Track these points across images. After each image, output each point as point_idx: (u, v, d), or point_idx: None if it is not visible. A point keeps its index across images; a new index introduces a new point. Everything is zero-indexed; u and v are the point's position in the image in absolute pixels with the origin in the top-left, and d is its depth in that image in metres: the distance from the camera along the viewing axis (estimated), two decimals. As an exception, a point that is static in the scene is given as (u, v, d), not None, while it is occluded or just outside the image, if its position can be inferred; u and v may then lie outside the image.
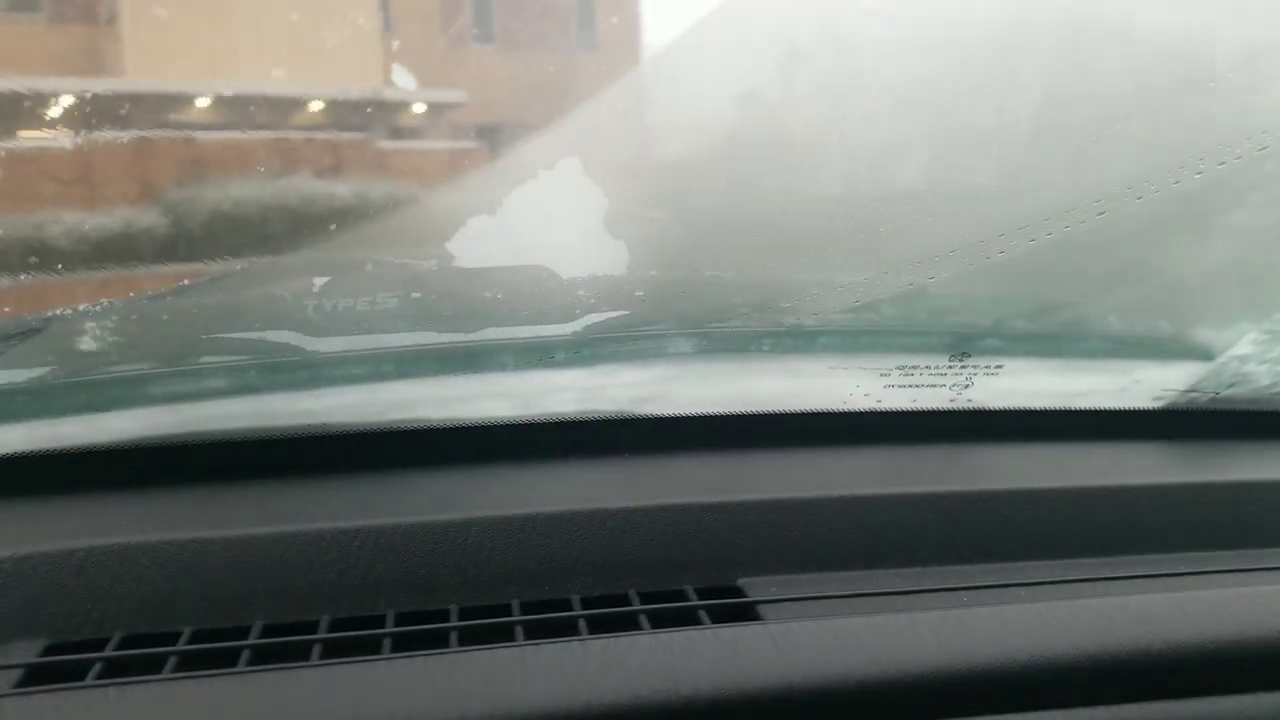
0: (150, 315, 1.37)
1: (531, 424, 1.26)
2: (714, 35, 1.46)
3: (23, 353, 1.27)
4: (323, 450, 1.18)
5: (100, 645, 0.90)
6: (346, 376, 1.28)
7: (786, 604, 1.00)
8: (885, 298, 1.38)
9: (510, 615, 0.96)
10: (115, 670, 0.86)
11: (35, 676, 0.85)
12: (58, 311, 1.32)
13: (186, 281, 1.39)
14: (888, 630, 0.91)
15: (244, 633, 0.93)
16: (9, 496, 1.08)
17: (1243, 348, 1.36)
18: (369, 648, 0.90)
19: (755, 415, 1.29)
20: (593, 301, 1.40)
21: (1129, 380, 1.41)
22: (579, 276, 1.42)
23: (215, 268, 1.39)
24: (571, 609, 0.98)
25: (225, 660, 0.88)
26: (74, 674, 0.85)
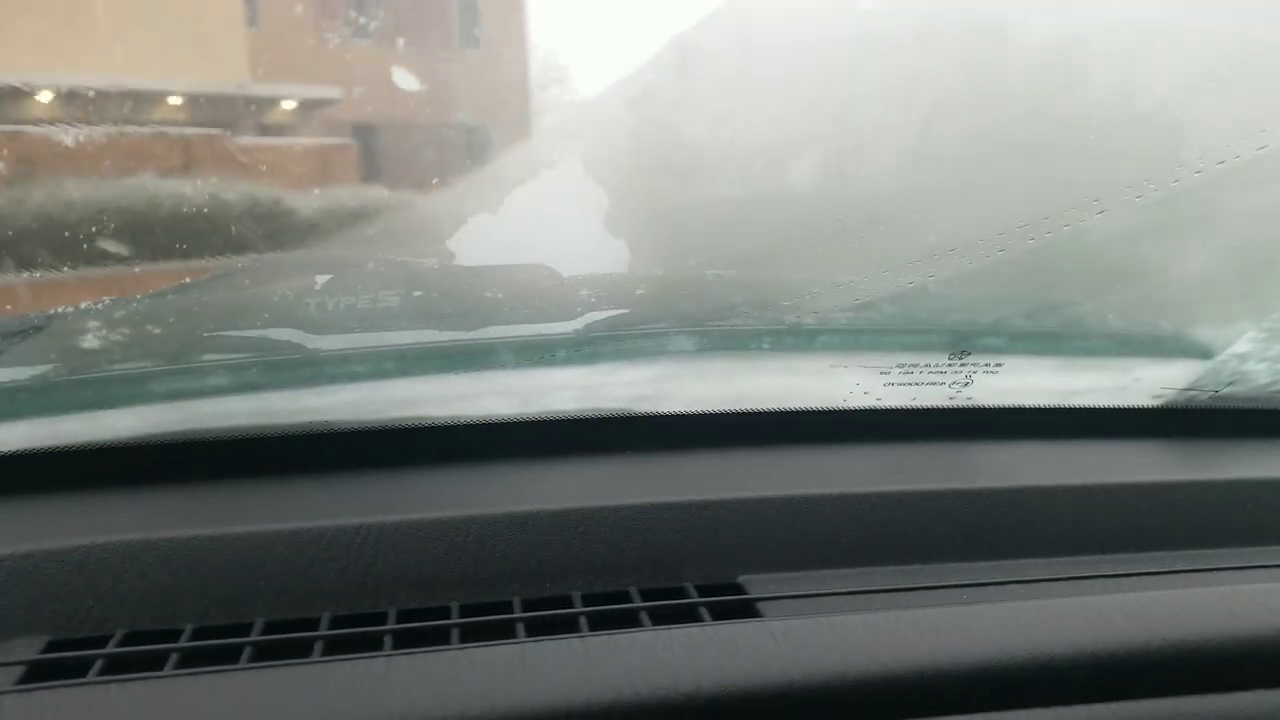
0: (152, 313, 1.38)
1: (532, 422, 1.26)
2: (713, 36, 1.46)
3: (24, 350, 1.27)
4: (324, 448, 1.18)
5: (102, 642, 0.90)
6: (348, 374, 1.28)
7: (787, 601, 1.00)
8: (885, 296, 1.39)
9: (511, 612, 0.97)
10: (117, 667, 0.86)
11: (37, 673, 0.86)
12: (59, 309, 1.32)
13: (188, 279, 1.39)
14: (888, 627, 0.91)
15: (246, 630, 0.93)
16: (11, 494, 1.08)
17: (1242, 346, 1.36)
18: (370, 645, 0.90)
19: (755, 413, 1.29)
20: (594, 300, 1.41)
21: (1128, 378, 1.41)
22: (580, 275, 1.42)
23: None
24: (572, 606, 0.98)
25: (227, 657, 0.88)
26: (76, 671, 0.86)
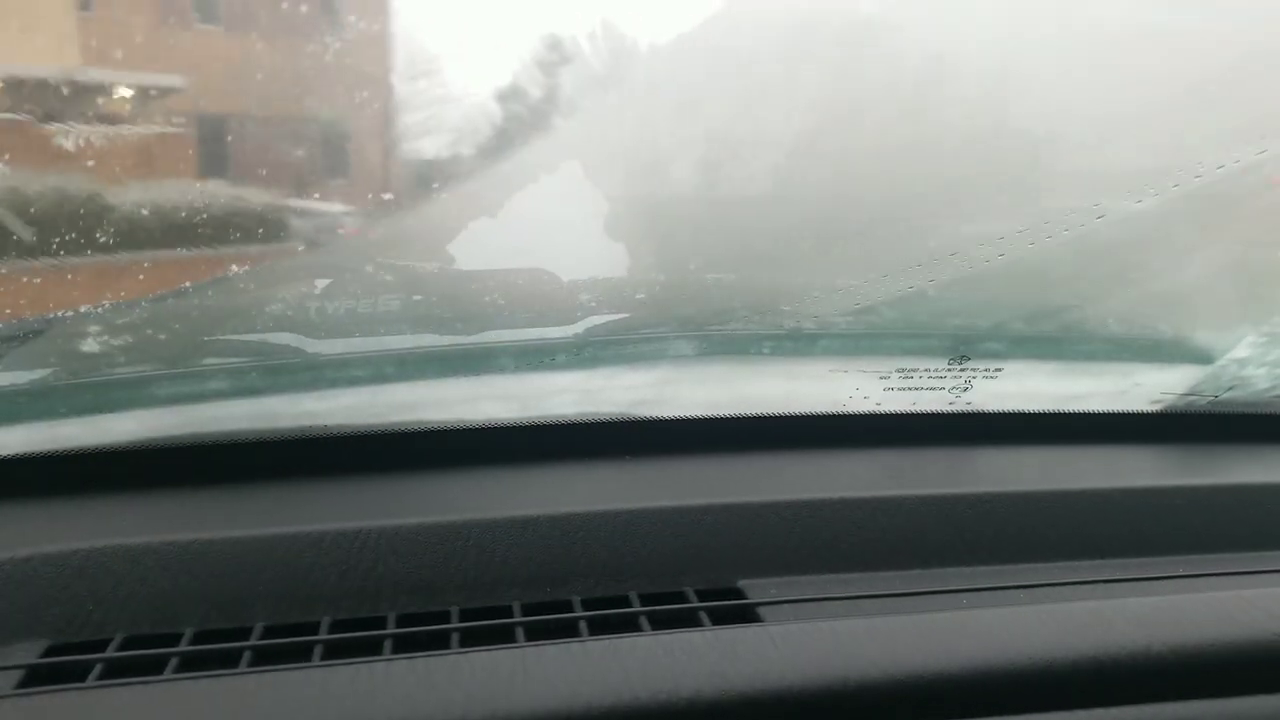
0: (152, 317, 1.38)
1: (532, 426, 1.26)
2: (713, 34, 1.46)
3: (24, 354, 1.27)
4: (324, 452, 1.18)
5: (102, 646, 0.90)
6: (348, 378, 1.28)
7: (786, 605, 1.00)
8: (884, 301, 1.39)
9: (511, 617, 0.97)
10: (116, 671, 0.86)
11: (36, 677, 0.86)
12: (59, 313, 1.32)
13: (188, 284, 1.39)
14: (887, 632, 0.91)
15: (245, 634, 0.93)
16: (11, 498, 1.08)
17: (1241, 351, 1.36)
18: (370, 649, 0.90)
19: (755, 418, 1.29)
20: (593, 304, 1.41)
21: (1128, 383, 1.41)
22: (580, 279, 1.42)
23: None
24: (572, 610, 0.98)
25: (227, 661, 0.88)
26: (75, 675, 0.86)
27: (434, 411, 1.26)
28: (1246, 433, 1.39)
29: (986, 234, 1.29)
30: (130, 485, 1.11)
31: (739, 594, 1.03)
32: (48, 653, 0.90)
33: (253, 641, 0.91)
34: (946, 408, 1.32)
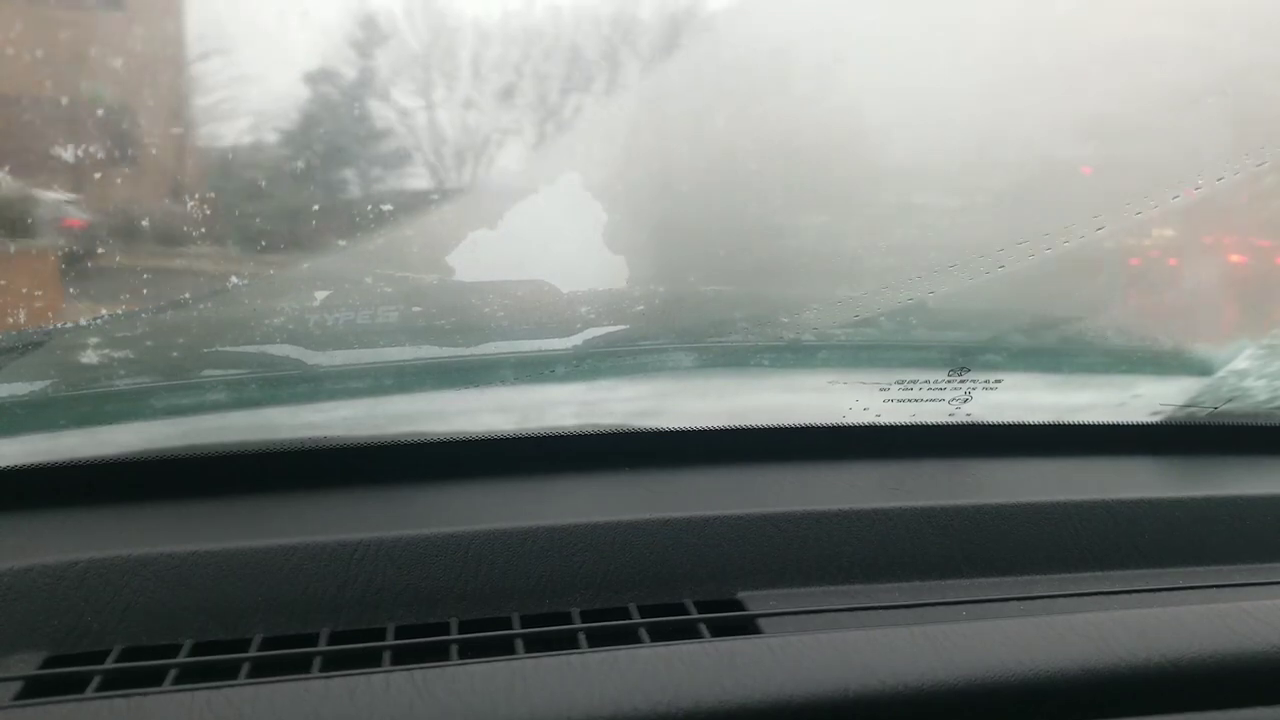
0: (151, 328, 1.38)
1: (532, 438, 1.26)
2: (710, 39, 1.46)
3: (23, 366, 1.27)
4: (324, 463, 1.18)
5: (101, 657, 0.90)
6: (347, 390, 1.28)
7: (786, 617, 1.00)
8: (884, 312, 1.39)
9: (510, 628, 0.97)
10: (115, 682, 0.86)
11: (35, 688, 0.85)
12: (58, 325, 1.32)
13: (187, 295, 1.39)
14: (887, 644, 0.91)
15: (244, 645, 0.93)
16: (10, 509, 1.08)
17: (1241, 363, 1.37)
18: (369, 661, 0.90)
19: (755, 430, 1.29)
20: (593, 316, 1.40)
21: (1127, 395, 1.41)
22: (579, 291, 1.42)
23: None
24: (571, 622, 0.98)
25: (226, 673, 0.88)
26: (74, 686, 0.85)
27: (434, 423, 1.26)
28: (1246, 444, 1.39)
29: (986, 246, 1.29)
30: (129, 497, 1.11)
31: (738, 606, 1.03)
32: (47, 664, 0.90)
33: (251, 653, 0.91)
34: (946, 419, 1.32)
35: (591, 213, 1.34)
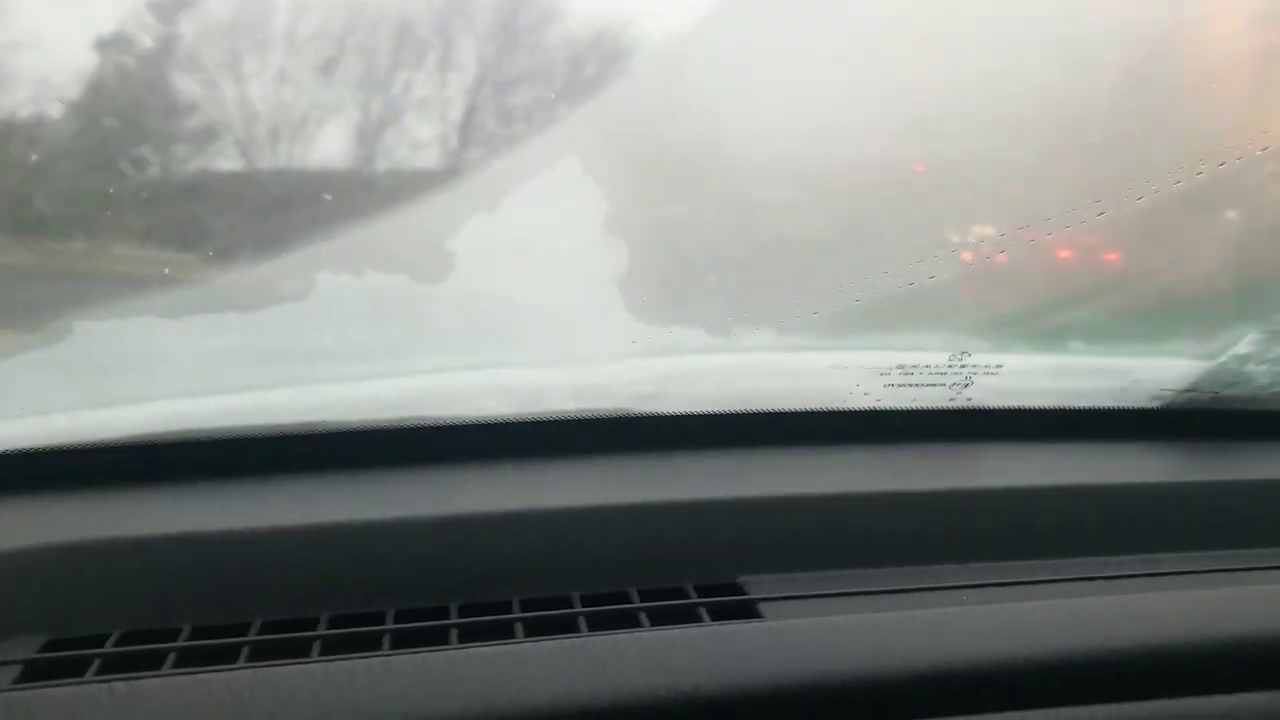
0: (147, 311, 1.37)
1: (531, 421, 1.25)
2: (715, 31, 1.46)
3: (21, 349, 1.27)
4: (323, 447, 1.18)
5: (100, 641, 0.90)
6: (347, 373, 1.28)
7: (786, 602, 1.00)
8: (885, 296, 1.38)
9: (510, 612, 0.97)
10: (115, 666, 0.86)
11: (35, 672, 0.85)
12: (55, 310, 1.32)
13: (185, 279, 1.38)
14: (888, 628, 0.91)
15: (244, 629, 0.93)
16: (8, 492, 1.08)
17: (1242, 348, 1.36)
18: (369, 644, 0.90)
19: (755, 414, 1.29)
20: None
21: (1128, 380, 1.41)
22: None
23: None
24: (571, 606, 0.98)
25: (225, 656, 0.88)
26: (74, 670, 0.85)
27: (432, 407, 1.25)
28: (1247, 429, 1.39)
29: (988, 231, 1.29)
30: (128, 480, 1.11)
31: (739, 590, 1.03)
32: (46, 648, 0.90)
33: (251, 637, 0.91)
34: (947, 404, 1.32)
35: (593, 198, 1.34)
